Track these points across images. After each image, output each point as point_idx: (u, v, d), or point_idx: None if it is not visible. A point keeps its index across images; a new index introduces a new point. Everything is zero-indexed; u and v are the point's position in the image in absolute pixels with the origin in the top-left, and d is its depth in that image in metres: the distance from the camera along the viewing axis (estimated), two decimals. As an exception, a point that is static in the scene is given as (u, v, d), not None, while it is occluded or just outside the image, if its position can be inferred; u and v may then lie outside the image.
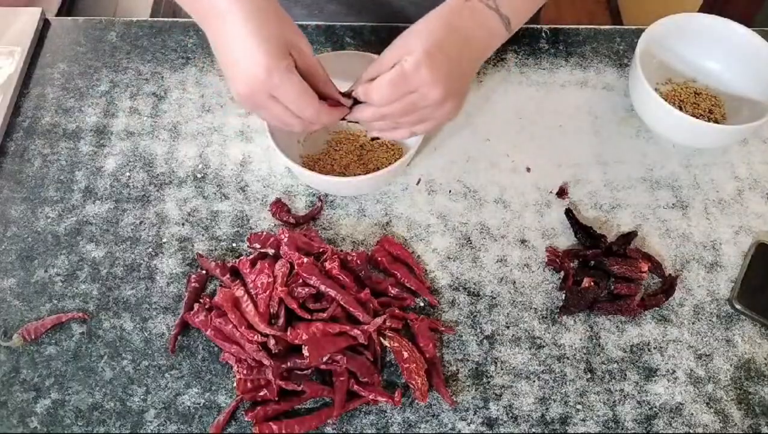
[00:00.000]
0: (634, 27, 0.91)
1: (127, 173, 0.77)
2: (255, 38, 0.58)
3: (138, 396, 0.64)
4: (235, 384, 0.64)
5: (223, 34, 0.60)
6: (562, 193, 0.77)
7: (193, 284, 0.69)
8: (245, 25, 0.58)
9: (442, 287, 0.71)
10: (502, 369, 0.67)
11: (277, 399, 0.63)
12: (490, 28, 0.66)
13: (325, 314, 0.65)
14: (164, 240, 0.73)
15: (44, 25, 0.88)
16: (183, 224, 0.74)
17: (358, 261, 0.69)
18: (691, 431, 0.65)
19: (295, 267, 0.67)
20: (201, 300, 0.67)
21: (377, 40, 0.88)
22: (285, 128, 0.65)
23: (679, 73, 0.86)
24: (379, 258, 0.71)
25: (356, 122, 0.68)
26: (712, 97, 0.84)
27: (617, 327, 0.70)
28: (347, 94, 0.66)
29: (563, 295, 0.71)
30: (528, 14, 0.70)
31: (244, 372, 0.63)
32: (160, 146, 0.79)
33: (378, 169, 0.73)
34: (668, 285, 0.71)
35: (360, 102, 0.66)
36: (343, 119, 0.67)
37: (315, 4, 0.92)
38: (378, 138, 0.71)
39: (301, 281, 0.66)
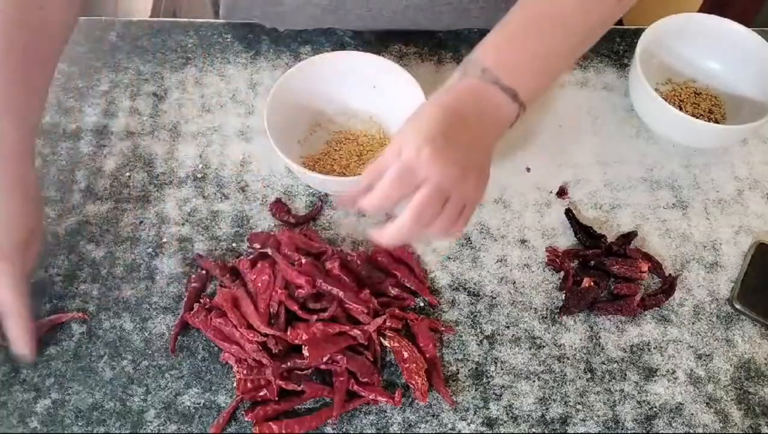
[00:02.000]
0: (634, 27, 0.91)
1: (127, 173, 0.77)
2: None
3: (138, 396, 0.64)
4: (235, 384, 0.64)
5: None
6: (562, 193, 0.77)
7: (193, 284, 0.69)
8: None
9: (442, 287, 0.71)
10: (502, 369, 0.67)
11: (277, 399, 0.63)
12: (494, 104, 0.60)
13: (326, 314, 0.65)
14: (164, 240, 0.73)
15: (44, 25, 0.88)
16: (183, 224, 0.74)
17: (358, 261, 0.69)
18: (691, 431, 0.65)
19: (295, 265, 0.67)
20: (201, 300, 0.67)
21: (377, 40, 0.88)
22: None
23: (679, 73, 0.86)
24: (379, 258, 0.71)
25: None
26: (712, 97, 0.84)
27: (617, 327, 0.70)
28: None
29: (563, 295, 0.71)
30: (541, 81, 0.64)
31: (244, 372, 0.63)
32: (160, 146, 0.79)
33: (378, 169, 0.73)
34: (668, 285, 0.71)
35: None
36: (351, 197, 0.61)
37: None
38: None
39: (301, 281, 0.67)
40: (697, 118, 0.77)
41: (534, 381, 0.66)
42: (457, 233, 0.65)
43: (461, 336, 0.69)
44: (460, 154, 0.58)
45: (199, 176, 0.77)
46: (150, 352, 0.67)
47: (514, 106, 0.61)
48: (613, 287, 0.71)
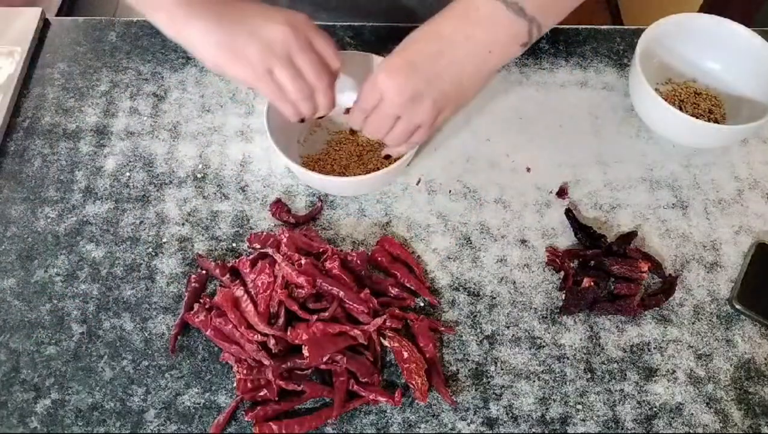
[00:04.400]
0: (634, 27, 0.91)
1: (127, 173, 0.77)
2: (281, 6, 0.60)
3: (138, 396, 0.64)
4: (235, 384, 0.64)
5: (237, 7, 0.60)
6: (562, 193, 0.77)
7: (193, 284, 0.69)
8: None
9: (442, 287, 0.71)
10: (502, 369, 0.67)
11: (277, 399, 0.63)
12: (492, 23, 0.59)
13: (326, 314, 0.65)
14: (164, 240, 0.73)
15: (44, 25, 0.88)
16: (183, 224, 0.74)
17: (358, 261, 0.69)
18: (691, 431, 0.65)
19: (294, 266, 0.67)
20: (201, 300, 0.67)
21: (377, 40, 0.88)
22: (295, 97, 0.63)
23: (679, 73, 0.86)
24: (379, 258, 0.71)
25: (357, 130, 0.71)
26: (712, 97, 0.84)
27: (617, 327, 0.70)
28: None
29: (563, 295, 0.71)
30: (556, 5, 0.62)
31: (244, 372, 0.63)
32: (160, 146, 0.79)
33: (378, 169, 0.73)
34: (668, 285, 0.71)
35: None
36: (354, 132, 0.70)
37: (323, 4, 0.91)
38: (390, 156, 0.72)
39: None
40: (697, 118, 0.77)
41: (534, 381, 0.66)
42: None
43: (461, 336, 0.69)
44: (417, 79, 0.61)
45: (199, 176, 0.77)
46: (150, 352, 0.67)
47: (522, 23, 0.59)
48: (613, 287, 0.71)
